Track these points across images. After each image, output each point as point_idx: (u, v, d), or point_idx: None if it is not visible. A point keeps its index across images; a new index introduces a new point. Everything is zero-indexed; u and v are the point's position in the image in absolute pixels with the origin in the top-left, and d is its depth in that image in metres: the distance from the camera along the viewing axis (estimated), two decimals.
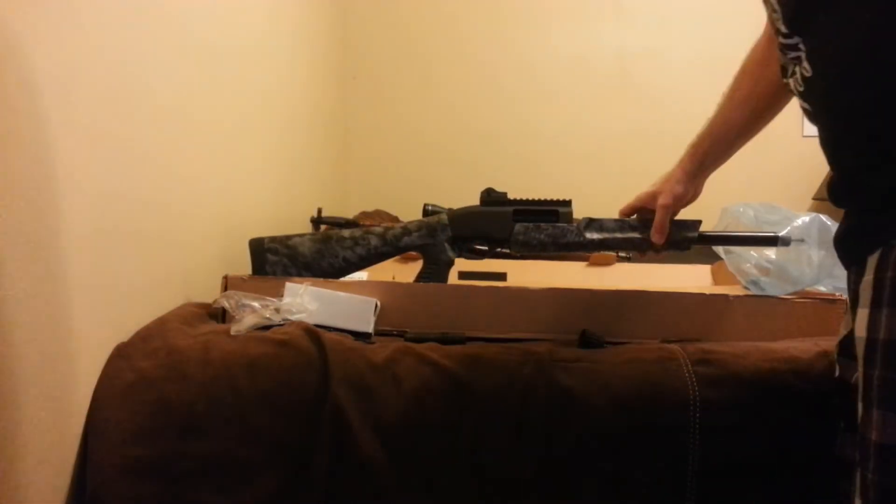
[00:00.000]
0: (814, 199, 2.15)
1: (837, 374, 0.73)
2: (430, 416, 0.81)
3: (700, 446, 0.78)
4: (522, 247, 1.03)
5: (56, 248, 0.73)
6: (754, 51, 0.87)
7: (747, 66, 0.88)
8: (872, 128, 0.59)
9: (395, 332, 0.98)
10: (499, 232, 1.04)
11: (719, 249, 1.18)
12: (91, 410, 0.79)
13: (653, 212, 0.95)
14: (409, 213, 1.22)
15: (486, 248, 1.08)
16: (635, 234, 0.98)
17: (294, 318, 0.93)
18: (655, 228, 0.94)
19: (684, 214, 0.97)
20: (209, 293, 1.07)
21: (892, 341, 0.56)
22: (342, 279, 1.06)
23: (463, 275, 1.33)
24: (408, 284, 1.06)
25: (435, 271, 1.07)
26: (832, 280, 1.05)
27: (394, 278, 1.23)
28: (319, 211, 1.77)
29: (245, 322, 0.90)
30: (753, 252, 1.11)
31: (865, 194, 0.62)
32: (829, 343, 0.87)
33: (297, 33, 1.75)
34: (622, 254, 1.52)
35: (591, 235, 1.00)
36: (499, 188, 1.06)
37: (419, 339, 0.92)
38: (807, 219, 1.09)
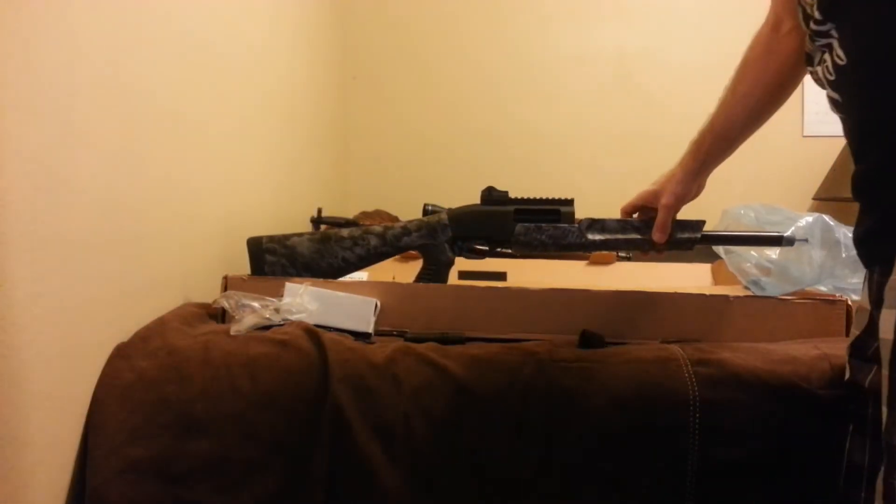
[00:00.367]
0: (814, 199, 2.15)
1: (848, 376, 0.72)
2: (429, 417, 0.81)
3: (700, 446, 0.78)
4: (523, 247, 1.02)
5: (56, 248, 0.73)
6: (756, 42, 0.85)
7: (749, 59, 0.86)
8: None
9: (395, 332, 0.98)
10: (500, 232, 1.04)
11: (719, 249, 1.18)
12: (91, 410, 0.79)
13: (655, 210, 0.94)
14: (409, 213, 1.22)
15: (487, 248, 1.08)
16: (637, 235, 0.97)
17: (294, 318, 0.93)
18: (657, 228, 0.94)
19: (686, 212, 0.97)
20: (209, 293, 1.07)
21: None
22: (342, 279, 1.06)
23: (463, 275, 1.33)
24: (408, 284, 1.06)
25: (435, 271, 1.07)
26: (832, 280, 1.05)
27: (394, 278, 1.23)
28: (319, 211, 1.77)
29: (245, 322, 0.90)
30: (754, 252, 1.10)
31: (893, 189, 0.60)
32: (829, 345, 0.87)
33: (297, 33, 1.75)
34: (622, 253, 1.52)
35: (593, 236, 1.00)
36: (499, 188, 1.06)
37: (419, 339, 0.92)
38: (810, 219, 1.09)
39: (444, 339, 0.92)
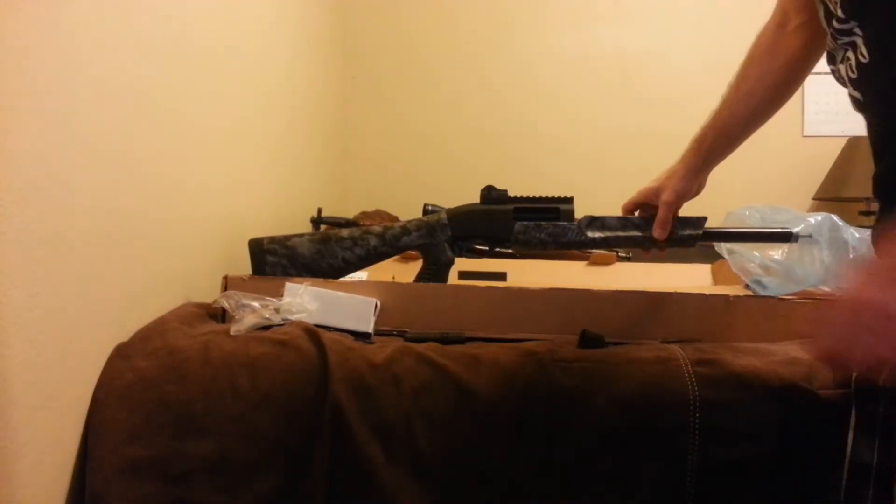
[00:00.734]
0: (814, 199, 2.16)
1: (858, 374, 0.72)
2: (429, 417, 0.81)
3: (700, 446, 0.78)
4: (523, 246, 1.02)
5: (56, 248, 0.73)
6: (760, 39, 0.84)
7: (753, 56, 0.85)
8: None
9: (395, 332, 0.98)
10: (499, 231, 1.03)
11: (722, 249, 1.18)
12: (91, 410, 0.79)
13: (655, 208, 0.94)
14: (409, 213, 1.22)
15: (487, 247, 1.08)
16: (638, 233, 0.97)
17: (294, 318, 0.93)
18: (658, 224, 0.93)
19: (687, 214, 0.97)
20: (209, 293, 1.07)
21: None
22: (342, 279, 1.06)
23: (463, 275, 1.33)
24: (408, 284, 1.06)
25: (435, 271, 1.07)
26: (836, 280, 1.04)
27: (394, 278, 1.23)
28: (319, 211, 1.77)
29: (245, 322, 0.90)
30: (757, 252, 1.10)
31: None
32: None
33: (297, 33, 1.75)
34: (622, 253, 1.52)
35: (593, 234, 1.00)
36: (499, 187, 1.06)
37: (419, 339, 0.92)
38: (819, 218, 1.08)
39: (444, 339, 0.92)
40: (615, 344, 0.92)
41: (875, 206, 0.67)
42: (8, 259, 0.66)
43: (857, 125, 0.70)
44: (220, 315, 1.00)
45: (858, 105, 0.67)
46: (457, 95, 2.36)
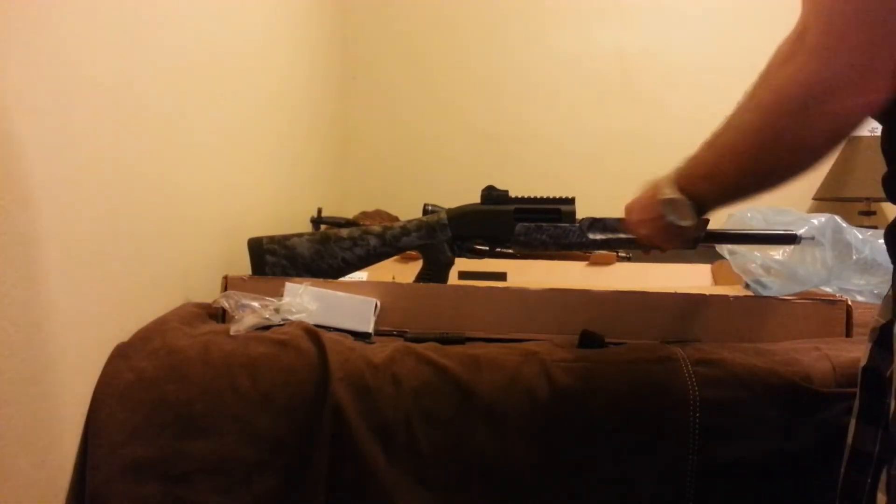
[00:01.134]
0: (814, 199, 2.15)
1: (865, 362, 0.72)
2: (429, 417, 0.81)
3: (700, 446, 0.78)
4: (524, 247, 1.02)
5: (56, 248, 0.73)
6: (780, 50, 0.82)
7: (772, 66, 0.81)
8: None
9: (395, 332, 0.98)
10: (500, 232, 1.03)
11: (723, 249, 1.18)
12: (91, 410, 0.79)
13: None
14: (409, 213, 1.22)
15: (487, 247, 1.08)
16: None
17: (294, 318, 0.93)
18: None
19: None
20: (209, 293, 1.07)
21: None
22: (342, 279, 1.06)
23: (463, 275, 1.33)
24: (408, 284, 1.06)
25: (435, 272, 1.07)
26: (838, 281, 1.04)
27: (394, 278, 1.23)
28: (319, 211, 1.77)
29: (245, 322, 0.90)
30: (758, 252, 1.10)
31: None
32: (830, 345, 0.87)
33: (297, 33, 1.75)
34: (622, 253, 1.52)
35: (594, 236, 1.00)
36: (499, 188, 1.06)
37: (419, 339, 0.92)
38: (822, 219, 1.09)
39: (444, 339, 0.92)
40: (615, 344, 0.92)
41: (875, 206, 0.68)
42: (8, 259, 0.66)
43: None
44: (219, 315, 1.00)
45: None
46: (457, 95, 2.36)
